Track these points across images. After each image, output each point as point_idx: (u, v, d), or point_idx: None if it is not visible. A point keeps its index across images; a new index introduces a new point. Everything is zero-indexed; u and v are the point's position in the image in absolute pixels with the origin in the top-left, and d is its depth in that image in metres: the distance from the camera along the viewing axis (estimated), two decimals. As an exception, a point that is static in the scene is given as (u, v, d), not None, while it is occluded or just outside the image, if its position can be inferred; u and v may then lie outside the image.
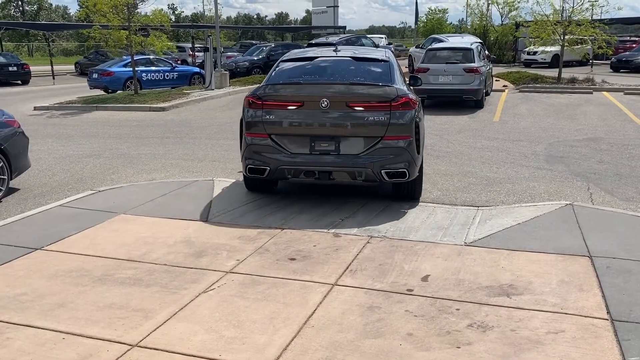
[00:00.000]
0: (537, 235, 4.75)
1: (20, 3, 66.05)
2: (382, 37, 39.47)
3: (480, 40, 18.98)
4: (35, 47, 55.04)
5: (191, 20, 74.14)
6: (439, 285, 3.79)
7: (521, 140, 9.92)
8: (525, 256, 4.27)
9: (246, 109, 5.72)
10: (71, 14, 76.41)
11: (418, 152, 5.62)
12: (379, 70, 5.97)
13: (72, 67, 33.06)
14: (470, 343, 3.05)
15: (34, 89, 23.31)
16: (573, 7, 18.06)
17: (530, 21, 20.43)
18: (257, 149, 5.61)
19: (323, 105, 5.40)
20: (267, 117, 5.56)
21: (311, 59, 6.35)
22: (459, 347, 3.01)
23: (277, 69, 6.23)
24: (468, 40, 17.37)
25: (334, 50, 6.54)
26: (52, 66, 26.17)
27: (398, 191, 5.99)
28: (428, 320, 3.31)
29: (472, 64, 13.48)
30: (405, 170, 5.43)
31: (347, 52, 6.52)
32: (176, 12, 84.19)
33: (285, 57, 6.57)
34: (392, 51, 7.28)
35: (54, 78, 25.91)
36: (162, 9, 19.87)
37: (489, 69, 15.46)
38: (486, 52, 17.43)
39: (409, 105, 5.50)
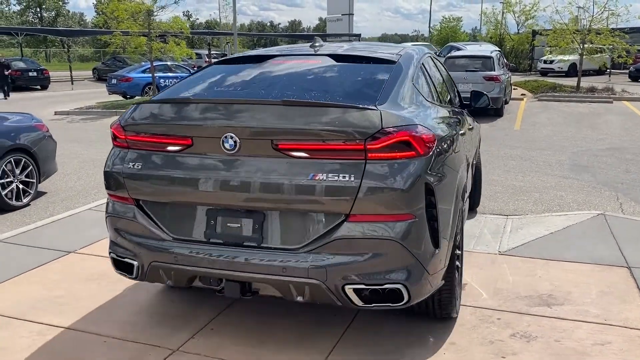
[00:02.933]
0: (571, 244, 4.69)
1: (38, 9, 67.09)
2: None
3: (499, 49, 18.92)
4: (53, 52, 55.80)
5: (205, 27, 74.84)
6: (477, 294, 3.75)
7: (544, 149, 9.85)
8: (561, 266, 4.21)
9: (112, 148, 3.13)
10: (87, 21, 77.46)
11: (435, 245, 2.77)
12: (370, 78, 3.17)
13: (90, 72, 33.48)
14: (515, 353, 3.01)
15: (53, 94, 23.63)
16: (593, 15, 17.97)
17: (548, 29, 20.34)
18: (120, 225, 3.04)
19: (227, 146, 2.69)
20: (132, 165, 2.92)
21: (262, 58, 3.56)
22: (504, 357, 2.97)
23: (191, 76, 3.59)
24: (487, 48, 17.33)
25: (311, 46, 3.72)
26: (70, 72, 26.58)
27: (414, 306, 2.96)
28: (469, 330, 3.27)
29: (492, 72, 13.44)
30: (400, 286, 2.68)
31: (331, 48, 3.74)
32: (191, 19, 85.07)
33: (231, 56, 3.99)
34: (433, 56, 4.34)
35: (72, 83, 26.29)
36: (178, 16, 20.00)
37: (508, 77, 15.41)
38: (505, 60, 17.38)
39: (409, 149, 2.64)
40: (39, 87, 25.98)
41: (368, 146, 2.56)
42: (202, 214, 2.84)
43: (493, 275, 4.07)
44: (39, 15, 67.27)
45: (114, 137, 3.05)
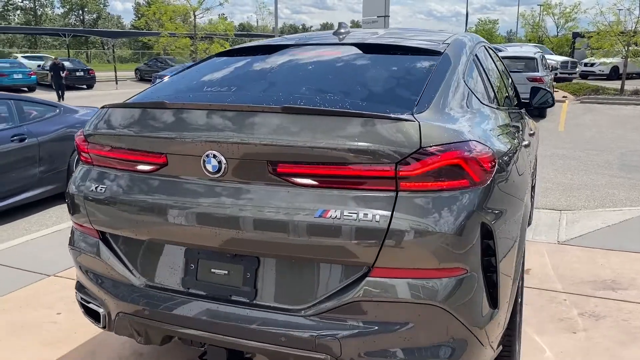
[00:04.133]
0: (630, 237, 4.80)
1: (81, 12, 69.27)
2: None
3: (540, 50, 18.83)
4: (93, 54, 57.59)
5: (239, 30, 76.05)
6: (542, 278, 3.92)
7: (591, 150, 9.85)
8: (623, 255, 4.34)
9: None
10: (124, 23, 79.57)
11: (494, 305, 2.06)
12: (407, 75, 2.44)
13: (131, 73, 34.48)
14: (585, 329, 3.18)
15: (99, 93, 24.47)
16: (639, 17, 17.72)
17: (592, 32, 20.13)
18: (84, 262, 2.46)
19: (209, 167, 2.03)
20: (94, 188, 2.30)
21: (274, 49, 2.83)
22: (574, 333, 3.15)
23: (185, 70, 2.95)
24: (529, 50, 17.28)
25: (335, 33, 3.04)
26: (115, 72, 27.49)
27: None
28: (537, 309, 3.45)
29: (536, 73, 13.45)
30: None
31: (360, 36, 2.99)
32: (226, 22, 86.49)
33: (239, 45, 3.26)
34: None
35: (116, 83, 27.16)
36: (224, 18, 20.57)
37: (551, 79, 15.35)
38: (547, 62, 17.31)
39: (459, 176, 1.90)
40: (85, 86, 26.96)
41: (401, 172, 1.82)
42: (179, 256, 2.19)
43: (554, 262, 4.23)
44: (81, 17, 69.46)
45: (78, 150, 2.42)
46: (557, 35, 32.50)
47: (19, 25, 57.29)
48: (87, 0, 67.11)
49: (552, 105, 4.15)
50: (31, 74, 25.58)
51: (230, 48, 3.23)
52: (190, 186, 2.09)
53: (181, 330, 2.17)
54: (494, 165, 2.02)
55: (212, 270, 2.14)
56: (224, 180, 2.03)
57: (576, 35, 28.31)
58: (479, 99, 2.52)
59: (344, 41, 2.85)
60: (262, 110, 1.99)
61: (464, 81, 2.41)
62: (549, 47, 31.10)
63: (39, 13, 68.03)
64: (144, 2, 64.98)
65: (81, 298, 2.50)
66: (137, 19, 64.19)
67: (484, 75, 2.92)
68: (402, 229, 1.82)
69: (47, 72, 24.48)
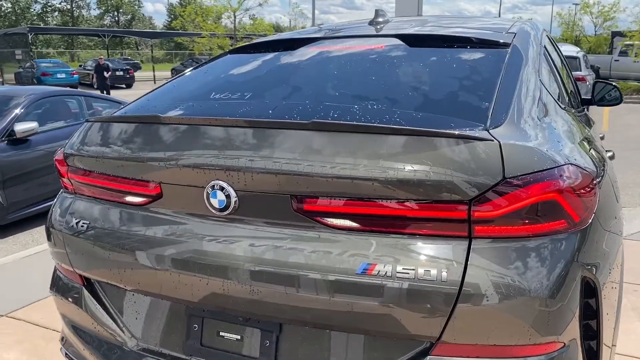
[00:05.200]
0: (692, 233, 4.84)
1: (116, 13, 70.88)
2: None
3: (579, 49, 18.62)
4: (128, 54, 58.86)
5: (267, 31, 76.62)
6: (609, 270, 4.01)
7: (638, 149, 9.77)
8: (688, 250, 4.39)
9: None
10: (155, 25, 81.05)
11: None
12: (470, 75, 1.85)
13: (168, 73, 35.18)
14: (661, 318, 3.27)
15: (138, 92, 25.07)
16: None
17: (634, 30, 19.78)
18: (67, 311, 2.06)
19: (214, 202, 1.56)
20: (75, 222, 1.87)
21: (298, 43, 2.30)
22: (650, 321, 3.24)
23: (193, 71, 2.42)
24: (569, 49, 17.10)
25: (371, 23, 2.53)
26: (154, 71, 28.24)
27: None
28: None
29: (579, 72, 13.34)
30: None
31: (402, 26, 2.46)
32: (256, 23, 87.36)
33: (257, 40, 2.66)
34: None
35: (155, 82, 27.81)
36: (263, 19, 20.93)
37: (593, 78, 15.20)
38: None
39: (555, 215, 1.39)
40: (124, 85, 27.69)
41: (477, 213, 1.35)
42: (178, 313, 1.75)
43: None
44: (117, 18, 71.09)
45: (58, 173, 2.00)
46: (595, 34, 31.98)
47: (58, 27, 58.94)
48: (122, 1, 68.69)
49: (621, 102, 3.60)
50: (73, 74, 26.46)
51: (247, 43, 2.60)
52: (190, 226, 1.62)
53: None
54: (596, 196, 1.52)
55: (221, 334, 1.67)
56: (234, 220, 1.56)
57: (615, 34, 27.80)
58: (558, 103, 2.01)
59: (385, 32, 2.32)
60: (285, 126, 1.51)
61: (540, 81, 1.87)
62: (586, 46, 30.62)
63: (76, 15, 69.83)
64: (176, 3, 66.18)
65: (66, 355, 2.09)
66: (170, 20, 65.44)
67: (555, 71, 2.45)
68: (478, 290, 1.32)
69: (90, 72, 25.22)
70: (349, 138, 1.43)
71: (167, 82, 2.31)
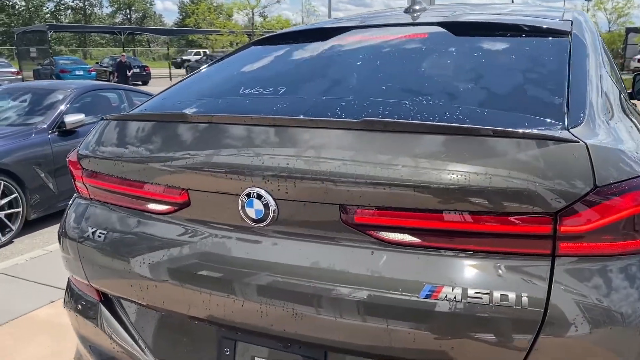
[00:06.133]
0: None
1: (128, 11, 71.46)
2: None
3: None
4: (139, 52, 59.35)
5: (280, 27, 76.85)
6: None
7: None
8: None
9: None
10: (165, 22, 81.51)
11: None
12: (531, 66, 1.62)
13: (183, 70, 35.60)
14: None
15: (155, 89, 25.35)
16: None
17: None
18: (82, 328, 1.85)
19: (250, 212, 1.37)
20: (91, 232, 1.67)
21: (330, 33, 2.08)
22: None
23: (215, 64, 2.20)
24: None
25: (407, 11, 2.28)
26: (170, 68, 28.59)
27: None
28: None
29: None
30: None
31: (444, 14, 2.18)
32: (266, 20, 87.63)
33: (283, 30, 2.52)
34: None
35: (170, 79, 28.19)
36: (281, 15, 21.15)
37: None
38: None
39: None
40: (140, 82, 28.05)
41: (564, 228, 1.18)
42: (208, 335, 1.57)
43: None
44: (129, 16, 71.68)
45: (72, 177, 1.83)
46: (610, 30, 31.93)
47: (77, 24, 59.60)
48: (134, -1, 69.28)
49: None
50: (91, 71, 26.87)
51: (273, 33, 2.41)
52: (223, 238, 1.45)
53: None
54: None
55: (256, 359, 1.50)
56: (273, 233, 1.39)
57: (629, 30, 27.81)
58: (624, 98, 1.89)
59: (426, 20, 2.09)
60: (330, 125, 1.34)
61: (607, 73, 1.72)
62: (600, 42, 30.61)
63: (88, 12, 70.48)
64: (187, 1, 66.61)
65: None
66: (181, 17, 65.89)
67: (612, 61, 2.31)
68: (565, 318, 1.16)
69: (107, 69, 25.61)
70: (407, 139, 1.26)
71: (188, 76, 2.13)
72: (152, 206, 1.57)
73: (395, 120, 1.31)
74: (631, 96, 3.34)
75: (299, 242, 1.35)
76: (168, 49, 33.95)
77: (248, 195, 1.36)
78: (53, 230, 5.40)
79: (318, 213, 1.32)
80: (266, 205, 1.35)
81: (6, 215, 5.05)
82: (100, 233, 1.64)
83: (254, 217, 1.37)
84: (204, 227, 1.48)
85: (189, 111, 1.53)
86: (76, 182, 1.79)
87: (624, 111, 1.65)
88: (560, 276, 1.17)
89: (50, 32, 28.28)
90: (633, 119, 1.68)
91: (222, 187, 1.40)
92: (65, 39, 62.36)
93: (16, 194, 5.10)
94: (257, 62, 2.07)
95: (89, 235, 1.66)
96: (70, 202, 1.86)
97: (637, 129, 1.58)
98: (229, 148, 1.41)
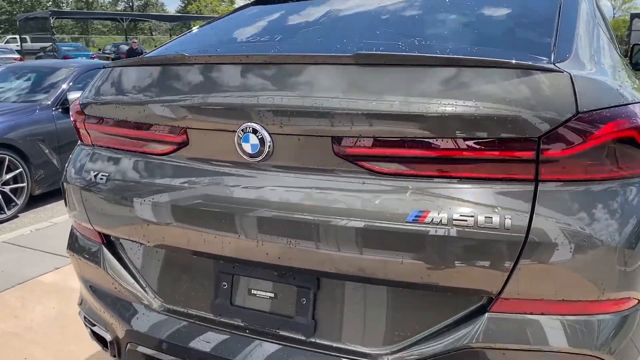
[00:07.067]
0: None
1: (130, -1, 71.19)
2: None
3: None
4: (142, 40, 59.16)
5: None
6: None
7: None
8: None
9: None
10: (166, 9, 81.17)
11: None
12: (523, 13, 1.72)
13: (184, 57, 35.65)
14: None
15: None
16: None
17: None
18: (86, 272, 1.94)
19: (246, 147, 1.44)
20: (93, 176, 1.75)
21: None
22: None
23: (216, 21, 2.35)
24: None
25: None
26: (172, 55, 28.50)
27: None
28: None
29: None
30: None
31: None
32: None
33: None
34: None
35: (173, 66, 28.23)
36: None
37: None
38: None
39: (632, 155, 1.27)
40: (143, 69, 28.12)
41: (547, 152, 1.22)
42: (207, 270, 1.65)
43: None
44: (131, 4, 71.41)
45: (75, 127, 1.90)
46: (614, 16, 31.71)
47: (80, 10, 59.40)
48: (136, -14, 68.97)
49: None
50: (94, 57, 26.78)
51: None
52: (221, 174, 1.51)
53: None
54: None
55: (253, 291, 1.58)
56: (268, 167, 1.44)
57: (635, 16, 27.58)
58: (614, 44, 1.92)
59: None
60: (324, 60, 1.38)
61: (597, 23, 1.75)
62: (605, 29, 30.41)
63: (90, 0, 70.20)
64: (190, -12, 66.20)
65: (85, 317, 1.97)
66: (184, 4, 65.57)
67: (607, 21, 2.36)
68: (547, 240, 1.20)
69: (109, 56, 25.56)
70: (398, 72, 1.30)
71: (186, 32, 2.21)
72: (153, 147, 1.64)
73: (384, 52, 1.35)
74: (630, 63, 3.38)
75: (294, 175, 1.41)
76: (170, 37, 33.84)
77: (244, 130, 1.42)
78: (57, 205, 5.48)
79: (311, 146, 1.38)
80: (261, 140, 1.41)
81: (11, 190, 5.13)
82: (102, 176, 1.71)
83: (250, 151, 1.43)
84: (203, 165, 1.55)
85: (188, 53, 1.58)
86: (79, 131, 1.87)
87: (613, 57, 1.69)
88: (543, 200, 1.21)
89: (53, 18, 28.17)
90: (620, 65, 1.74)
91: (219, 124, 1.47)
92: (68, 26, 62.18)
93: (21, 169, 5.17)
94: (256, 18, 2.17)
95: (91, 180, 1.74)
96: (73, 151, 1.93)
97: (623, 72, 1.65)
98: (226, 86, 1.47)
